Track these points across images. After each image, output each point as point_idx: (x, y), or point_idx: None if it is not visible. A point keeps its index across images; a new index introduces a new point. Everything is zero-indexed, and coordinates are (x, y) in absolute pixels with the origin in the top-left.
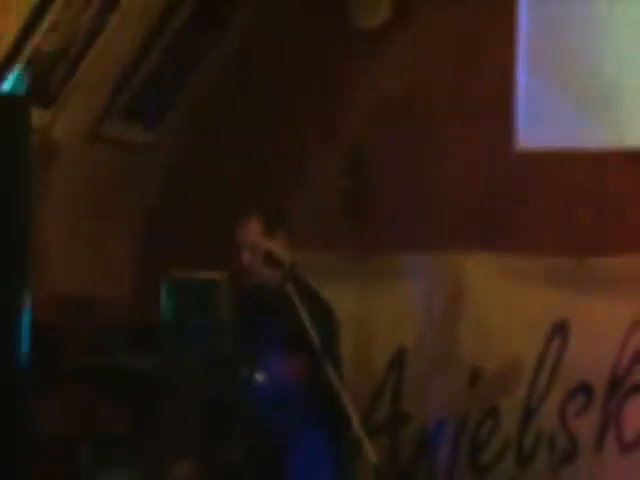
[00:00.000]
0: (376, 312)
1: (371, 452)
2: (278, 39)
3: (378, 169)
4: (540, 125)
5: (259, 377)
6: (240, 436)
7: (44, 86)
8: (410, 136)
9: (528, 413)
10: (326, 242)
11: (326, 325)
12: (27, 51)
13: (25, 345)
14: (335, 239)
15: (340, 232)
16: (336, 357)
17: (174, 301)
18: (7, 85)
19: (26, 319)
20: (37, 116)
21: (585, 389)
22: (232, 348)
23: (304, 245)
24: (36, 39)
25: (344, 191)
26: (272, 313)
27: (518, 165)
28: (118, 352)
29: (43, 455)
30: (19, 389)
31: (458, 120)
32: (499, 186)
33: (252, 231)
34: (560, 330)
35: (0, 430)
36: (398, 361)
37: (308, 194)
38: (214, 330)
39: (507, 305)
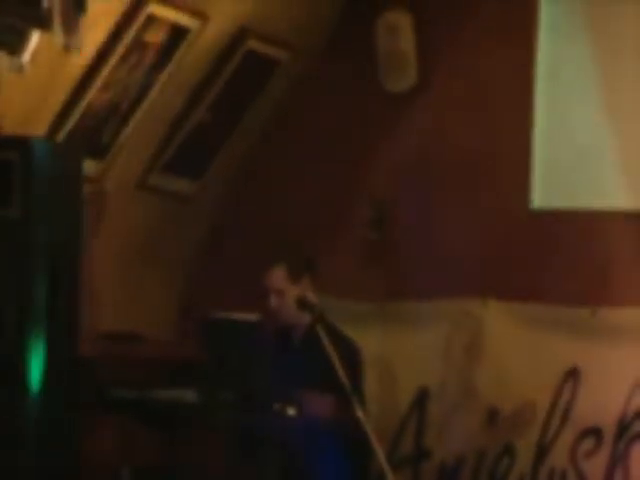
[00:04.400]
0: (399, 355)
1: None
2: (314, 100)
3: (402, 222)
4: (556, 184)
5: (290, 411)
6: (271, 468)
7: (96, 139)
8: (430, 192)
9: (541, 452)
10: (352, 289)
11: (352, 364)
12: (81, 106)
13: (71, 379)
14: (361, 286)
15: (365, 280)
16: (361, 394)
17: (211, 340)
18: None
19: (74, 355)
20: (89, 167)
21: (595, 432)
22: (265, 384)
23: (332, 291)
24: (90, 95)
25: (370, 242)
26: (301, 352)
27: (533, 222)
28: (158, 386)
29: None
30: (64, 421)
31: (476, 178)
32: (514, 241)
33: (277, 277)
34: (572, 376)
35: (46, 461)
36: (420, 400)
37: (337, 244)
38: (248, 367)
39: (522, 350)
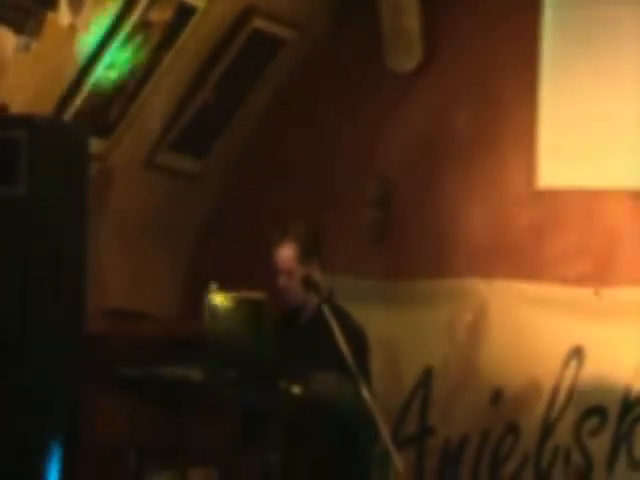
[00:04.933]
0: (404, 334)
1: (399, 463)
2: (319, 80)
3: (406, 201)
4: (561, 163)
5: (296, 390)
6: (276, 446)
7: (103, 117)
8: (434, 171)
9: (546, 431)
10: (356, 268)
11: (358, 344)
12: (88, 84)
13: (79, 356)
14: (365, 265)
15: (369, 258)
16: (367, 374)
17: (217, 317)
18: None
19: (81, 332)
20: (96, 145)
21: (599, 411)
22: (270, 362)
23: (336, 270)
24: (97, 73)
25: (373, 220)
26: (308, 331)
27: (539, 201)
28: (163, 364)
29: (92, 462)
30: (72, 398)
31: (481, 157)
32: (519, 220)
33: (287, 257)
34: (576, 355)
35: (51, 437)
36: (425, 380)
37: (341, 222)
38: (254, 345)
39: (526, 330)
